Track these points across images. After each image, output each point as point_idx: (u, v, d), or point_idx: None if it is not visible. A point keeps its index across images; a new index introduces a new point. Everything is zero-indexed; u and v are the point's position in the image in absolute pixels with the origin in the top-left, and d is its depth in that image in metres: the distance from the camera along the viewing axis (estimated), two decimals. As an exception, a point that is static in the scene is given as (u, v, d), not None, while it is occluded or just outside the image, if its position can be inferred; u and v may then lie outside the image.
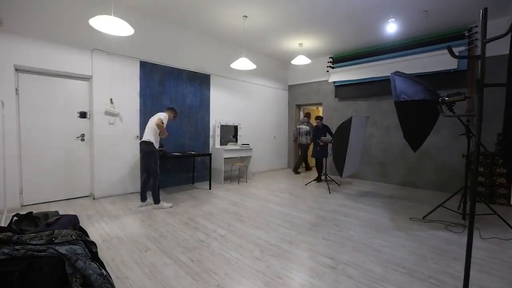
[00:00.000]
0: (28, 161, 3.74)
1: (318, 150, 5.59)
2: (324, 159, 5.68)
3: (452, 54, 1.70)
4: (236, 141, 6.21)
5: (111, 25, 3.03)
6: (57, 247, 1.54)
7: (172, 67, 5.06)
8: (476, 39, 4.65)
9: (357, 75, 6.11)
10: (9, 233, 1.56)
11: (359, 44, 5.93)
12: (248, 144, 6.06)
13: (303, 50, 6.32)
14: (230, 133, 6.17)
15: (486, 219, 3.45)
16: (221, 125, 5.88)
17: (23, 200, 3.74)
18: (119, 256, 2.39)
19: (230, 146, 5.88)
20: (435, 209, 3.54)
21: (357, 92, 6.23)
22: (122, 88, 4.42)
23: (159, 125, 3.70)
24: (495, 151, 4.34)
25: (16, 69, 3.57)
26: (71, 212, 3.46)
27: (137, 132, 4.64)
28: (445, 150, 5.06)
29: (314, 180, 5.86)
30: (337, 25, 4.88)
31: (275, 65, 7.42)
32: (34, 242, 1.54)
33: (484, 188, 4.29)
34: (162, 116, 3.83)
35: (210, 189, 5.06)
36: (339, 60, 6.55)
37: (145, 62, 4.68)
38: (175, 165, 5.21)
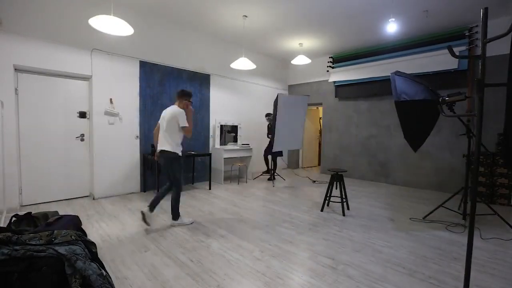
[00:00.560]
0: (27, 161, 3.73)
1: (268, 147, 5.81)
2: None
3: (452, 54, 1.70)
4: (236, 141, 6.21)
5: (110, 25, 3.02)
6: (56, 247, 1.54)
7: (172, 67, 5.06)
8: (477, 38, 4.65)
9: (357, 75, 6.10)
10: (9, 233, 1.56)
11: (359, 44, 5.93)
12: (248, 144, 6.06)
13: (303, 50, 6.32)
14: (230, 133, 6.17)
15: (487, 219, 3.45)
16: (221, 125, 5.87)
17: (23, 200, 3.73)
18: (118, 256, 2.39)
19: (230, 146, 5.88)
20: (435, 209, 3.53)
21: (357, 92, 6.22)
22: (122, 88, 4.42)
23: (188, 130, 3.08)
24: (496, 151, 4.33)
25: (15, 69, 3.57)
26: (71, 212, 3.46)
27: (136, 132, 4.63)
28: (445, 150, 5.05)
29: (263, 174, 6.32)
30: (337, 25, 4.87)
31: (275, 65, 7.41)
32: (33, 242, 1.54)
33: (485, 188, 4.29)
34: (180, 115, 3.00)
35: (210, 189, 5.05)
36: (339, 60, 6.54)
37: (145, 62, 4.68)
38: (175, 165, 5.20)
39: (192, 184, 5.48)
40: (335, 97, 6.70)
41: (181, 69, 5.19)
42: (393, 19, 4.40)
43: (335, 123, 6.76)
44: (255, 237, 2.87)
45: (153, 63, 4.79)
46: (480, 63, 1.54)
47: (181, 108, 3.09)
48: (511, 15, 4.30)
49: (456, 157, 4.90)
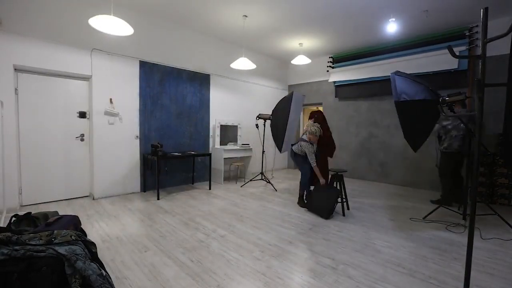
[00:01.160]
0: (27, 161, 3.73)
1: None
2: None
3: (452, 53, 1.70)
4: (236, 141, 6.21)
5: (110, 25, 3.02)
6: (56, 248, 1.54)
7: (172, 67, 5.06)
8: (477, 38, 4.65)
9: (357, 75, 6.10)
10: (9, 233, 1.56)
11: (359, 44, 5.93)
12: (248, 144, 6.06)
13: (303, 50, 6.32)
14: (230, 133, 6.16)
15: (487, 220, 3.45)
16: (221, 125, 5.87)
17: (23, 200, 3.73)
18: (118, 256, 2.39)
19: (230, 146, 5.88)
20: (435, 209, 3.53)
21: (357, 92, 6.22)
22: (121, 88, 4.42)
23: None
24: (496, 151, 4.33)
25: (15, 69, 3.57)
26: (70, 212, 3.46)
27: (136, 132, 4.63)
28: (445, 150, 5.04)
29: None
30: (337, 24, 4.87)
31: (275, 65, 7.41)
32: (33, 243, 1.54)
33: (485, 188, 4.28)
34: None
35: (210, 189, 5.05)
36: (339, 60, 6.54)
37: (145, 62, 4.68)
38: (175, 165, 5.21)
39: (192, 184, 5.48)
40: (335, 97, 6.70)
41: (181, 69, 5.19)
42: (393, 19, 4.41)
43: (335, 123, 6.75)
44: (255, 237, 2.87)
45: (153, 63, 4.79)
46: (480, 63, 1.54)
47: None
48: (511, 15, 4.30)
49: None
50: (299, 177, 4.02)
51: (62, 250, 1.53)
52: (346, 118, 6.53)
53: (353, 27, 4.94)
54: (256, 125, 5.69)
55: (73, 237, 1.67)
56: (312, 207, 3.73)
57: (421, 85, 2.91)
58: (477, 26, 4.65)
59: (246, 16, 4.52)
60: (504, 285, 2.03)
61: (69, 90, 4.07)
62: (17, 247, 1.47)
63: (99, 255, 2.05)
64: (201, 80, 5.57)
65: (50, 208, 3.65)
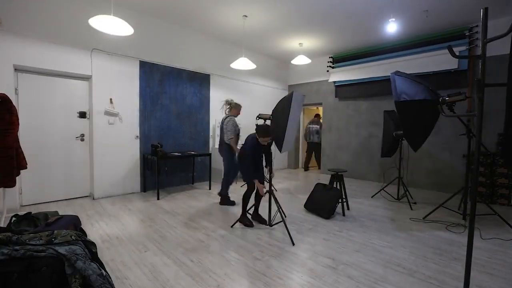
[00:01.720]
0: (27, 161, 3.72)
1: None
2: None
3: (452, 53, 1.69)
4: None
5: (110, 25, 3.01)
6: (56, 248, 1.54)
7: (172, 67, 5.06)
8: (477, 38, 4.65)
9: (357, 75, 6.10)
10: (9, 233, 1.56)
11: (359, 44, 5.93)
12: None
13: (303, 50, 6.32)
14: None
15: (487, 220, 3.45)
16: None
17: (23, 200, 3.73)
18: (118, 256, 2.39)
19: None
20: (435, 209, 3.53)
21: (357, 92, 6.22)
22: (121, 88, 4.42)
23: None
24: (496, 151, 4.33)
25: (15, 69, 3.57)
26: (70, 212, 3.46)
27: (136, 132, 4.63)
28: (445, 150, 5.05)
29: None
30: (337, 25, 4.87)
31: (275, 65, 7.41)
32: (33, 243, 1.54)
33: (485, 188, 4.28)
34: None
35: (210, 189, 5.05)
36: (339, 60, 6.54)
37: (145, 62, 4.68)
38: (175, 165, 5.21)
39: (192, 184, 5.48)
40: (335, 97, 6.70)
41: (181, 69, 5.19)
42: (393, 19, 4.40)
43: (335, 123, 6.76)
44: (255, 237, 2.87)
45: (153, 63, 4.79)
46: (480, 63, 1.54)
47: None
48: (511, 15, 4.30)
49: (456, 157, 4.90)
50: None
51: (62, 250, 1.53)
52: (346, 118, 6.53)
53: (353, 27, 4.94)
54: (256, 125, 5.67)
55: (73, 237, 1.67)
56: (312, 207, 3.73)
57: (421, 85, 2.91)
58: (477, 26, 4.65)
59: (246, 16, 4.52)
60: (504, 285, 2.03)
61: (69, 90, 4.07)
62: (17, 247, 1.47)
63: (99, 255, 2.05)
64: (201, 80, 5.57)
65: (50, 208, 3.65)
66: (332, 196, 3.58)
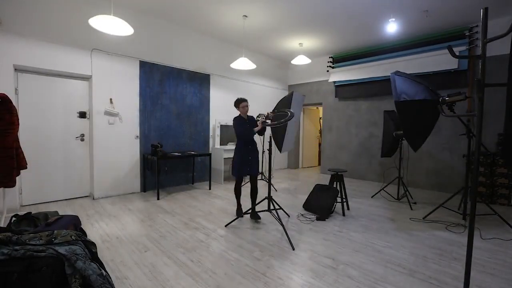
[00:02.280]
0: (27, 161, 3.72)
1: None
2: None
3: (452, 53, 1.70)
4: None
5: (110, 25, 3.02)
6: (56, 248, 1.53)
7: (172, 67, 5.05)
8: (477, 38, 4.65)
9: (357, 75, 6.10)
10: (9, 233, 1.56)
11: (359, 44, 5.93)
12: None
13: (303, 50, 6.31)
14: (230, 132, 6.16)
15: (487, 220, 3.45)
16: (221, 125, 5.87)
17: (23, 200, 3.73)
18: (118, 256, 2.39)
19: (230, 146, 5.87)
20: (435, 209, 3.53)
21: (357, 92, 6.22)
22: (121, 88, 4.42)
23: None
24: (496, 151, 4.33)
25: (15, 69, 3.57)
26: (71, 212, 3.46)
27: (136, 132, 4.63)
28: (445, 150, 5.05)
29: None
30: (337, 25, 4.87)
31: (275, 65, 7.41)
32: (33, 243, 1.54)
33: (485, 188, 4.28)
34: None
35: (210, 189, 5.05)
36: (339, 60, 6.54)
37: (145, 62, 4.68)
38: (175, 165, 5.21)
39: (192, 184, 5.48)
40: (335, 97, 6.70)
41: (181, 69, 5.19)
42: (393, 19, 4.41)
43: (335, 123, 6.76)
44: (255, 237, 2.87)
45: (153, 63, 4.79)
46: (480, 63, 1.54)
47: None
48: (511, 15, 4.30)
49: (456, 157, 4.90)
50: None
51: (62, 250, 1.53)
52: (346, 118, 6.53)
53: (353, 27, 4.94)
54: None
55: (73, 237, 1.67)
56: (311, 207, 3.74)
57: (421, 85, 2.91)
58: (477, 26, 4.65)
59: (246, 16, 4.52)
60: (504, 285, 2.02)
61: (69, 90, 4.07)
62: (17, 247, 1.47)
63: (99, 255, 2.05)
64: (201, 80, 5.57)
65: (50, 208, 3.65)
66: (330, 196, 3.58)
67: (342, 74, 6.42)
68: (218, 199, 4.35)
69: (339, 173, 3.75)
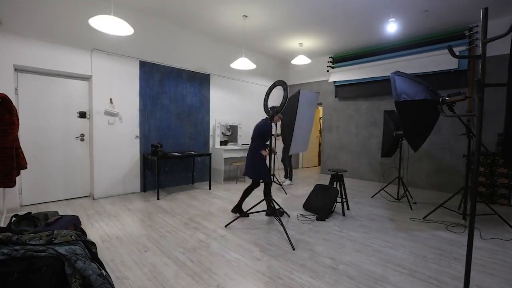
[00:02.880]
0: (27, 161, 3.72)
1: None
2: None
3: (452, 53, 1.70)
4: (236, 141, 6.21)
5: (110, 25, 3.02)
6: (56, 248, 1.53)
7: (172, 67, 5.05)
8: (477, 38, 4.65)
9: (357, 75, 6.10)
10: (9, 233, 1.56)
11: (359, 44, 5.93)
12: (248, 144, 6.05)
13: (303, 50, 6.32)
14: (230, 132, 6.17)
15: (487, 220, 3.45)
16: (221, 125, 5.87)
17: (23, 200, 3.73)
18: (118, 256, 2.39)
19: (230, 146, 5.88)
20: (435, 209, 3.53)
21: (357, 92, 6.22)
22: (121, 88, 4.42)
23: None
24: (496, 151, 4.33)
25: (15, 69, 3.57)
26: (71, 212, 3.46)
27: (136, 132, 4.63)
28: (445, 150, 5.05)
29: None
30: (337, 25, 4.87)
31: (275, 65, 7.41)
32: (33, 243, 1.54)
33: (485, 188, 4.28)
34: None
35: (210, 189, 5.05)
36: (339, 60, 6.54)
37: (145, 62, 4.68)
38: (175, 165, 5.21)
39: (192, 184, 5.48)
40: (335, 97, 6.70)
41: (181, 69, 5.19)
42: (393, 19, 4.41)
43: (335, 123, 6.76)
44: (255, 237, 2.87)
45: (153, 63, 4.79)
46: (480, 63, 1.54)
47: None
48: (511, 15, 4.31)
49: (456, 157, 4.90)
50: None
51: (62, 250, 1.53)
52: (346, 118, 6.53)
53: (353, 27, 4.94)
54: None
55: (73, 237, 1.67)
56: (311, 207, 3.73)
57: (421, 85, 2.91)
58: (477, 26, 4.65)
59: (246, 16, 4.52)
60: (504, 285, 2.03)
61: (69, 90, 4.07)
62: (17, 247, 1.47)
63: (99, 255, 2.05)
64: (201, 80, 5.57)
65: (50, 208, 3.65)
66: (330, 196, 3.58)
67: (342, 74, 6.42)
68: (218, 199, 4.35)
69: (339, 173, 3.75)
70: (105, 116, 4.25)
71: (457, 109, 3.32)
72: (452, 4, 4.01)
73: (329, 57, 6.75)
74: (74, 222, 2.25)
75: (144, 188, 4.72)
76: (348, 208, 3.88)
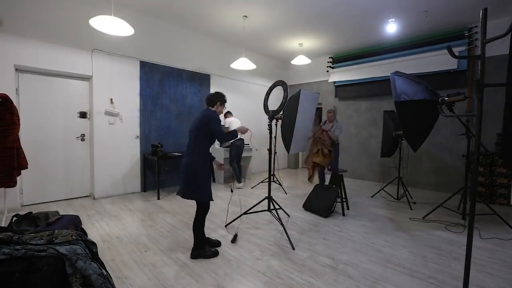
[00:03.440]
0: (28, 161, 3.72)
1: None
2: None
3: (452, 54, 1.70)
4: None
5: (111, 25, 3.03)
6: (57, 247, 1.54)
7: (172, 67, 5.06)
8: (476, 39, 4.65)
9: (357, 75, 6.11)
10: (10, 233, 1.57)
11: (359, 44, 5.93)
12: (248, 144, 6.05)
13: (303, 50, 6.32)
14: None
15: (486, 219, 3.45)
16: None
17: (23, 200, 3.74)
18: (119, 256, 2.40)
19: (230, 146, 5.87)
20: (435, 209, 3.54)
21: (357, 92, 6.22)
22: (122, 88, 4.42)
23: None
24: (495, 151, 4.33)
25: (16, 69, 3.57)
26: (71, 212, 3.46)
27: (137, 132, 4.64)
28: (445, 150, 5.06)
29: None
30: (337, 25, 4.88)
31: (275, 65, 7.42)
32: (34, 242, 1.54)
33: (484, 188, 4.29)
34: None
35: (210, 189, 5.04)
36: (339, 60, 6.55)
37: (145, 62, 4.68)
38: (175, 165, 5.20)
39: (192, 184, 5.47)
40: (335, 97, 6.70)
41: (181, 69, 5.20)
42: (393, 19, 4.41)
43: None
44: (255, 236, 2.87)
45: (153, 63, 4.79)
46: (479, 63, 1.54)
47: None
48: (511, 15, 4.31)
49: (455, 157, 4.90)
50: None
51: (63, 249, 1.53)
52: (346, 118, 6.53)
53: (353, 27, 4.95)
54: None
55: (73, 237, 1.67)
56: (311, 207, 3.74)
57: (421, 85, 2.91)
58: (476, 26, 4.65)
59: (246, 16, 4.52)
60: (503, 285, 2.03)
61: (70, 90, 4.07)
62: (18, 247, 1.48)
63: (100, 255, 2.05)
64: (201, 80, 5.57)
65: (51, 208, 3.66)
66: (330, 196, 3.59)
67: (342, 74, 6.42)
68: (218, 199, 4.36)
69: (339, 173, 3.75)
70: (105, 116, 4.25)
71: (456, 109, 3.32)
72: (452, 5, 4.02)
73: (329, 57, 6.75)
74: (74, 222, 2.25)
75: (145, 188, 4.73)
76: (348, 208, 3.88)
